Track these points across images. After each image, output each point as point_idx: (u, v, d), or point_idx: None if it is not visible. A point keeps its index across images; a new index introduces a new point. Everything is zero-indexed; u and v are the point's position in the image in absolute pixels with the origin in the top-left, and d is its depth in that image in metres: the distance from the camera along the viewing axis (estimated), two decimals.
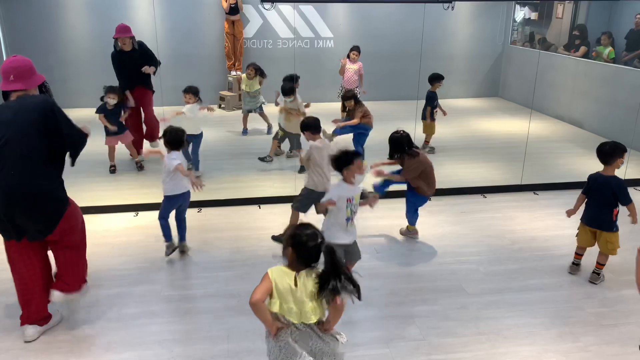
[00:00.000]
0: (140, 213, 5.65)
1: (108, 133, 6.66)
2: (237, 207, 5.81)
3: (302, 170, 6.41)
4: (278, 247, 5.01)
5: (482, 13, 11.34)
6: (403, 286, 4.39)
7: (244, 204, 5.79)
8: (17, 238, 3.44)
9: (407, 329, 3.83)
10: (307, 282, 2.66)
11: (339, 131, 6.77)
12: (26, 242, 3.48)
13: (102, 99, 6.55)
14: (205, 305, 4.10)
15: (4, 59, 9.49)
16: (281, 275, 2.67)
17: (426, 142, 7.84)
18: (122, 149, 6.98)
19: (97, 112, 6.55)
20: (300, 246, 2.64)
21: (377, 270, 4.61)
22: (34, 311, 3.66)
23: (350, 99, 6.90)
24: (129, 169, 7.02)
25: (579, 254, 4.63)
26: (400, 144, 4.86)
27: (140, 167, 6.96)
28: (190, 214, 5.31)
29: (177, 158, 4.54)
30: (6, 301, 4.10)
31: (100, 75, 9.65)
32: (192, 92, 6.44)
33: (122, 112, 6.63)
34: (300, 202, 4.83)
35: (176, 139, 4.60)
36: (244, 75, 8.39)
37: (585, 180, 4.50)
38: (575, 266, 4.62)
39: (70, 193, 6.25)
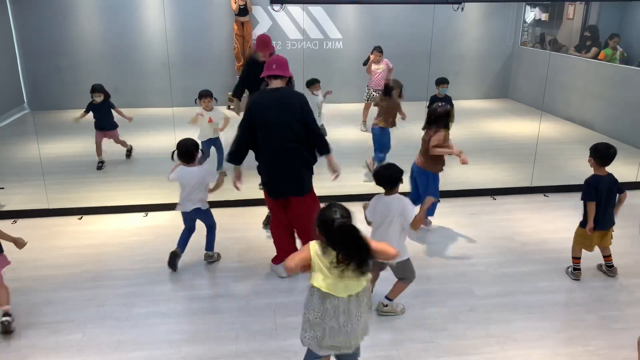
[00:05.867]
0: (150, 213, 5.68)
1: (99, 127, 7.04)
2: (247, 208, 5.82)
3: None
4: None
5: (492, 14, 11.30)
6: (412, 288, 4.36)
7: (254, 205, 5.80)
8: (275, 197, 4.35)
9: (416, 331, 3.82)
10: None
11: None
12: (282, 201, 4.36)
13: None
14: (214, 306, 4.12)
15: (18, 59, 9.65)
16: (323, 251, 2.68)
17: None
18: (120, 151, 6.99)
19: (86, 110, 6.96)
20: (324, 226, 2.63)
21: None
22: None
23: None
24: (139, 169, 7.07)
25: (579, 259, 4.56)
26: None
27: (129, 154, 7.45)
28: None
29: (210, 171, 4.66)
30: (18, 301, 4.13)
31: (111, 76, 9.77)
32: (211, 95, 6.41)
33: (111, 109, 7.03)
34: None
35: (190, 150, 4.44)
36: None
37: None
38: (580, 272, 4.53)
39: (80, 193, 6.27)
